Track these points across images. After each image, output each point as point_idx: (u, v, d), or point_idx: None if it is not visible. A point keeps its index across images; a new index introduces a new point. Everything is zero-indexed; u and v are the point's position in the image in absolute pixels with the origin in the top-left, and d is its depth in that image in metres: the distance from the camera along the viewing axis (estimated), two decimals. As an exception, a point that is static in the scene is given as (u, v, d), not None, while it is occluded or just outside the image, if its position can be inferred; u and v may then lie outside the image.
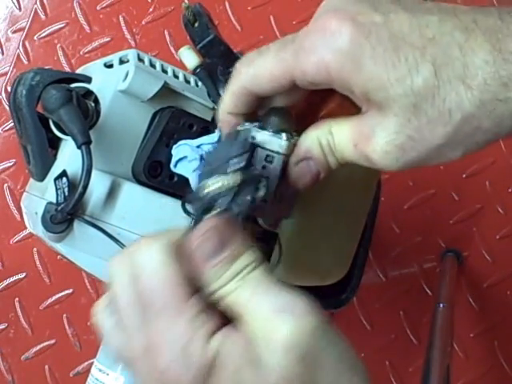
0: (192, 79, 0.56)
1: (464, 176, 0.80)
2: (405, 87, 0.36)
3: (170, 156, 0.53)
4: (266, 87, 0.40)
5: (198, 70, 0.54)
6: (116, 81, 0.52)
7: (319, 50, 0.37)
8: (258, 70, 0.40)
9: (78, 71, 0.56)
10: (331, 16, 0.37)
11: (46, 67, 0.71)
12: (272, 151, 0.41)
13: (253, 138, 0.41)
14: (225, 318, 0.35)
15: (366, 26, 0.36)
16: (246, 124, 0.42)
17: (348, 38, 0.36)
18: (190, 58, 0.54)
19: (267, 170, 0.41)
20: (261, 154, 0.41)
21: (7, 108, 0.77)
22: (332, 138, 0.40)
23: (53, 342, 0.75)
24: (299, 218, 0.55)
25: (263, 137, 0.41)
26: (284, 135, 0.41)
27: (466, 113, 0.36)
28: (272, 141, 0.41)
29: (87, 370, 0.65)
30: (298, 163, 0.41)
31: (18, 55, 0.79)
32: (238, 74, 0.41)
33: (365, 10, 0.37)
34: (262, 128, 0.41)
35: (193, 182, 0.52)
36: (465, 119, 0.36)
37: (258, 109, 0.43)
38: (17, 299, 0.75)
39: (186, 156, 0.52)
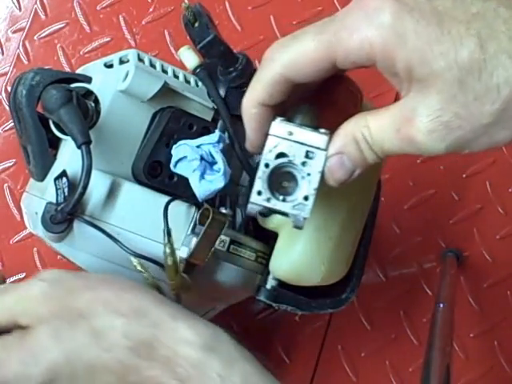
0: (192, 79, 0.56)
1: (464, 176, 0.80)
2: (449, 60, 0.35)
3: (169, 156, 0.53)
4: (306, 72, 0.38)
5: (198, 70, 0.54)
6: (116, 81, 0.52)
7: (362, 27, 0.36)
8: (296, 55, 0.38)
9: (78, 71, 0.56)
10: None
11: (46, 67, 0.71)
12: (312, 147, 0.40)
13: (290, 133, 0.40)
14: None
15: (408, 1, 0.36)
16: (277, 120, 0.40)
17: (390, 13, 0.35)
18: (189, 58, 0.54)
19: (307, 166, 0.40)
20: (299, 151, 0.40)
21: (7, 108, 0.77)
22: (369, 131, 0.38)
23: (53, 341, 0.75)
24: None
25: (301, 132, 0.40)
26: (323, 130, 0.40)
27: None
28: (312, 136, 0.40)
29: (87, 370, 0.65)
30: (330, 158, 0.39)
31: (18, 55, 0.79)
32: (271, 61, 0.39)
33: None
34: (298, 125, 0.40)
35: (193, 182, 0.52)
36: None
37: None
38: (17, 299, 0.75)
39: (185, 156, 0.52)
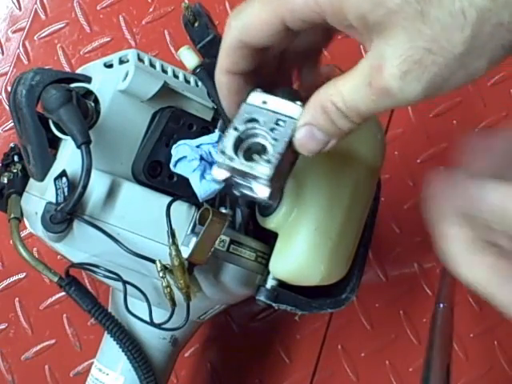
0: (192, 79, 0.56)
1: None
2: None
3: (169, 156, 0.53)
4: (258, 35, 0.38)
5: (197, 70, 0.54)
6: (116, 81, 0.52)
7: None
8: (247, 19, 0.38)
9: (78, 71, 0.56)
10: None
11: (46, 67, 0.71)
12: (284, 115, 0.39)
13: (264, 102, 0.39)
14: None
15: None
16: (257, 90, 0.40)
17: None
18: (189, 58, 0.54)
19: (276, 132, 0.39)
20: (270, 118, 0.39)
21: (7, 108, 0.77)
22: (341, 97, 0.36)
23: (53, 342, 0.75)
24: (299, 219, 0.55)
25: (276, 101, 0.39)
26: (298, 102, 0.39)
27: (481, 8, 0.32)
28: (285, 105, 0.39)
29: (87, 370, 0.65)
30: (299, 129, 0.38)
31: (18, 55, 0.79)
32: (229, 27, 0.39)
33: None
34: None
35: (193, 181, 0.52)
36: (481, 17, 0.32)
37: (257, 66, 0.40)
38: (17, 299, 0.75)
39: (185, 156, 0.52)
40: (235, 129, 0.39)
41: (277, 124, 0.39)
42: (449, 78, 0.34)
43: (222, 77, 0.41)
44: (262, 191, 0.39)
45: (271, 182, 0.38)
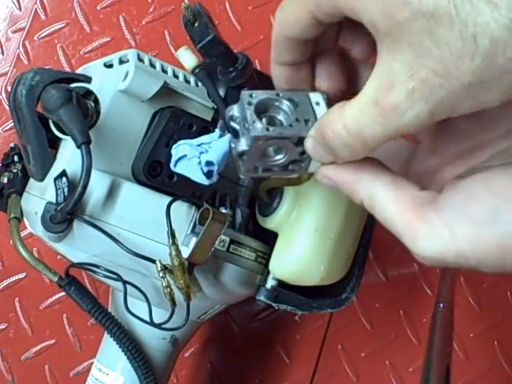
0: (192, 79, 0.56)
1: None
2: (413, 9, 0.30)
3: (169, 156, 0.52)
4: (296, 29, 0.38)
5: (196, 71, 0.54)
6: (116, 81, 0.52)
7: None
8: (284, 14, 0.38)
9: (78, 71, 0.56)
10: None
11: (46, 67, 0.71)
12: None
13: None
14: None
15: None
16: None
17: None
18: (188, 58, 0.53)
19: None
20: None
21: (7, 108, 0.77)
22: (342, 123, 0.35)
23: (53, 342, 0.75)
24: (299, 219, 0.55)
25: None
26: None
27: (495, 38, 0.29)
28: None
29: (87, 370, 0.65)
30: (308, 138, 0.38)
31: (18, 55, 0.79)
32: (274, 21, 0.39)
33: None
34: None
35: (195, 176, 0.51)
36: (495, 46, 0.30)
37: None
38: (17, 299, 0.75)
39: (185, 155, 0.52)
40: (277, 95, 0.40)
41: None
42: (457, 106, 0.33)
43: (273, 68, 0.42)
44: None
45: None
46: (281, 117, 0.40)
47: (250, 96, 0.39)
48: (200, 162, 0.51)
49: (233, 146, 0.40)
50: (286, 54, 0.40)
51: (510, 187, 0.34)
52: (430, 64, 0.31)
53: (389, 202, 0.36)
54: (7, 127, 0.78)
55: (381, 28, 0.32)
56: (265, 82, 0.60)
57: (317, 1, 0.36)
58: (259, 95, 0.40)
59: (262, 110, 0.39)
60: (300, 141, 0.39)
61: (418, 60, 0.32)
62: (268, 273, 0.57)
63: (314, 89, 0.42)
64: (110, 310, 0.55)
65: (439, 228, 0.34)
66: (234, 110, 0.40)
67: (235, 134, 0.40)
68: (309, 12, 0.36)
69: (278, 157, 0.40)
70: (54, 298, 0.75)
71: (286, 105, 0.40)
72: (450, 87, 0.31)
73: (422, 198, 0.36)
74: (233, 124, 0.40)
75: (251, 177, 0.40)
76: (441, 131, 0.41)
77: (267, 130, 0.38)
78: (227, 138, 0.45)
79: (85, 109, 0.50)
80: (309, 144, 0.38)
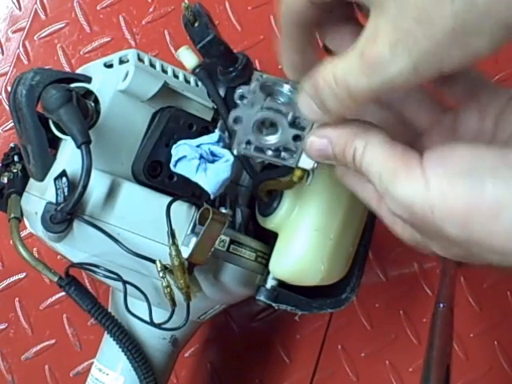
0: (192, 79, 0.56)
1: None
2: None
3: (169, 156, 0.53)
4: (299, 9, 0.38)
5: (197, 70, 0.54)
6: (116, 81, 0.52)
7: None
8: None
9: (78, 71, 0.56)
10: None
11: (46, 67, 0.71)
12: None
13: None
14: None
15: None
16: None
17: None
18: (188, 58, 0.54)
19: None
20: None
21: (7, 108, 0.77)
22: (332, 73, 0.35)
23: (53, 342, 0.75)
24: (299, 219, 0.55)
25: None
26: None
27: None
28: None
29: (87, 370, 0.65)
30: (300, 95, 0.38)
31: (18, 55, 0.79)
32: (278, 13, 0.39)
33: None
34: None
35: (199, 181, 0.52)
36: None
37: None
38: (17, 299, 0.75)
39: (185, 155, 0.52)
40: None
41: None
42: (443, 56, 0.32)
43: (283, 55, 0.41)
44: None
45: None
46: (282, 98, 0.40)
47: (261, 76, 0.41)
48: (199, 165, 0.52)
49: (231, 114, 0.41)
50: (295, 38, 0.40)
51: (496, 155, 0.34)
52: (411, 14, 0.31)
53: (380, 149, 0.37)
54: (7, 127, 0.78)
55: None
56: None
57: None
58: (269, 77, 0.41)
59: (267, 91, 0.40)
60: (295, 123, 0.39)
61: (401, 12, 0.32)
62: (268, 273, 0.57)
63: None
64: (109, 310, 0.55)
65: (417, 174, 0.35)
66: (243, 89, 0.40)
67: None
68: None
69: (271, 137, 0.40)
70: (54, 297, 0.75)
71: (288, 90, 0.40)
72: (433, 35, 0.31)
73: (411, 152, 0.37)
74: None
75: (243, 153, 0.41)
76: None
77: (265, 100, 0.39)
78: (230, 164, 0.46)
79: (85, 109, 0.50)
80: (301, 97, 0.38)
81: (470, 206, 0.33)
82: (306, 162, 0.41)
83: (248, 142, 0.40)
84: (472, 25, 0.31)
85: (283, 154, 0.41)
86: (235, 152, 0.41)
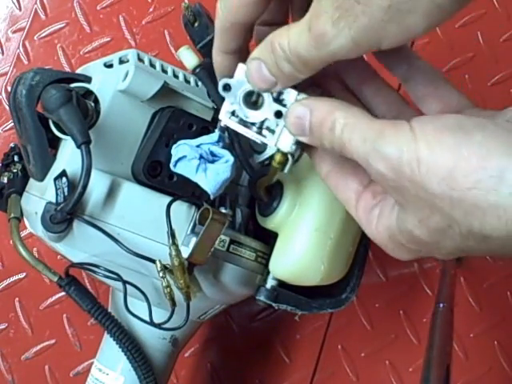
0: (192, 79, 0.56)
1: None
2: None
3: (169, 156, 0.53)
4: (242, 12, 0.40)
5: (197, 70, 0.54)
6: (116, 81, 0.52)
7: None
8: (228, 3, 0.40)
9: (78, 71, 0.56)
10: None
11: (46, 67, 0.71)
12: None
13: None
14: None
15: None
16: None
17: None
18: (189, 57, 0.54)
19: None
20: None
21: (7, 108, 0.77)
22: (287, 39, 0.37)
23: (53, 342, 0.75)
24: (299, 218, 0.55)
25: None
26: None
27: None
28: None
29: (87, 370, 0.65)
30: (250, 61, 0.40)
31: (18, 55, 0.79)
32: (216, 11, 0.41)
33: None
34: None
35: (199, 181, 0.52)
36: None
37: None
38: (17, 299, 0.75)
39: (185, 155, 0.52)
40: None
41: None
42: (381, 32, 0.34)
43: (217, 56, 0.43)
44: None
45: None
46: None
47: None
48: (199, 165, 0.52)
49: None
50: (233, 41, 0.42)
51: (485, 117, 0.35)
52: None
53: (363, 117, 0.37)
54: (7, 127, 0.78)
55: None
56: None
57: None
58: None
59: None
60: (279, 99, 0.40)
61: None
62: (268, 273, 0.57)
63: None
64: (109, 310, 0.55)
65: (405, 130, 0.35)
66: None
67: None
68: None
69: (255, 112, 0.41)
70: (54, 297, 0.75)
71: None
72: (371, 12, 0.33)
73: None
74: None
75: (227, 124, 0.41)
76: None
77: None
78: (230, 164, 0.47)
79: (85, 109, 0.50)
80: (252, 64, 0.39)
81: (456, 156, 0.33)
82: (284, 144, 0.41)
83: (233, 113, 0.41)
84: (406, 2, 0.33)
85: (264, 131, 0.41)
86: (222, 123, 0.41)
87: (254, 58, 0.39)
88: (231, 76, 0.41)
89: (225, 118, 0.41)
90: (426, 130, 0.34)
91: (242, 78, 0.41)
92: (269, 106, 0.41)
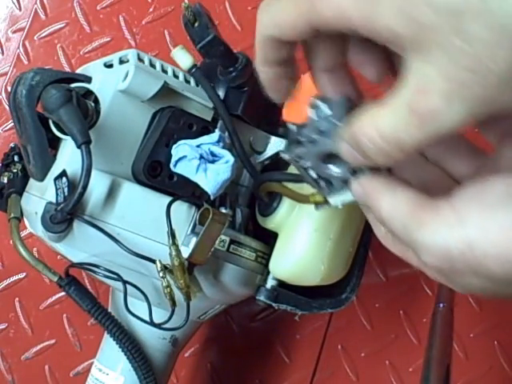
0: (192, 79, 0.56)
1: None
2: (437, 7, 0.29)
3: (169, 156, 0.53)
4: (286, 32, 0.36)
5: (193, 70, 0.54)
6: (116, 81, 0.52)
7: None
8: (276, 16, 0.36)
9: (78, 71, 0.56)
10: None
11: (46, 67, 0.71)
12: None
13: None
14: None
15: None
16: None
17: None
18: (183, 58, 0.54)
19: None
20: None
21: (7, 108, 0.77)
22: (376, 130, 0.33)
23: (53, 342, 0.75)
24: (299, 218, 0.55)
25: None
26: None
27: None
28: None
29: (87, 370, 0.65)
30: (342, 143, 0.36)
31: (18, 55, 0.79)
32: (259, 22, 0.37)
33: None
34: None
35: (199, 181, 0.52)
36: None
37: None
38: (17, 299, 0.75)
39: (185, 155, 0.52)
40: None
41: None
42: (497, 99, 0.31)
43: (259, 68, 0.40)
44: None
45: None
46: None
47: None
48: (200, 165, 0.52)
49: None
50: (274, 54, 0.38)
51: None
52: (464, 63, 0.30)
53: (403, 201, 0.35)
54: (7, 127, 0.78)
55: (404, 34, 0.31)
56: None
57: (318, 12, 0.33)
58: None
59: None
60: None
61: (451, 61, 0.30)
62: (268, 273, 0.57)
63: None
64: (109, 310, 0.55)
65: (448, 215, 0.33)
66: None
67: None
68: (306, 20, 0.34)
69: (323, 165, 0.39)
70: (54, 297, 0.75)
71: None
72: (488, 82, 0.30)
73: (437, 198, 0.35)
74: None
75: (285, 159, 0.40)
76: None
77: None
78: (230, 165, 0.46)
79: (85, 109, 0.50)
80: (343, 147, 0.36)
81: None
82: (336, 200, 0.40)
83: (300, 157, 0.40)
84: None
85: (322, 182, 0.40)
86: (286, 156, 0.40)
87: (342, 139, 0.36)
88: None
89: (287, 156, 0.40)
90: (472, 210, 0.32)
91: (313, 128, 0.38)
92: (338, 168, 0.39)
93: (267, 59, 0.38)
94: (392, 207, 0.35)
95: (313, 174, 0.40)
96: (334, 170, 0.39)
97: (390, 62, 0.39)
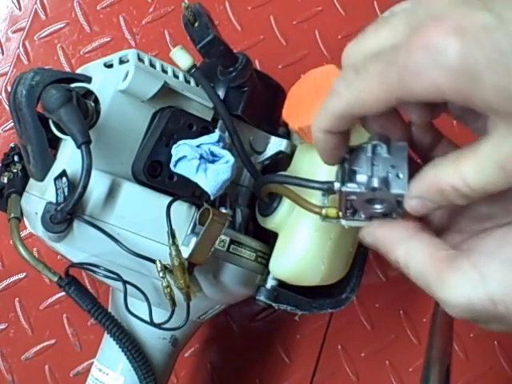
0: (192, 79, 0.56)
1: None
2: None
3: (169, 156, 0.53)
4: (370, 110, 0.36)
5: (192, 71, 0.54)
6: (116, 81, 0.52)
7: (427, 71, 0.32)
8: (360, 94, 0.36)
9: (78, 71, 0.56)
10: (433, 27, 0.32)
11: (46, 67, 0.71)
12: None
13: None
14: None
15: (475, 32, 0.31)
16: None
17: (456, 52, 0.31)
18: (183, 58, 0.54)
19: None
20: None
21: (7, 108, 0.77)
22: (463, 181, 0.35)
23: (53, 342, 0.75)
24: (299, 218, 0.55)
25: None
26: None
27: None
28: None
29: (87, 370, 0.65)
30: (412, 199, 0.38)
31: (18, 55, 0.79)
32: (338, 96, 0.37)
33: (472, 10, 0.32)
34: None
35: (199, 181, 0.52)
36: None
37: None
38: (17, 299, 0.75)
39: (185, 155, 0.52)
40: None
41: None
42: None
43: (319, 134, 0.40)
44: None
45: None
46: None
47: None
48: (200, 165, 0.52)
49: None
50: (344, 125, 0.39)
51: None
52: None
53: (422, 256, 0.37)
54: (7, 127, 0.78)
55: (502, 110, 0.32)
56: (265, 82, 0.60)
57: (412, 90, 0.34)
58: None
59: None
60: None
61: None
62: (268, 273, 0.57)
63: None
64: (109, 310, 0.55)
65: (469, 272, 0.34)
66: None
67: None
68: (394, 96, 0.35)
69: (367, 204, 0.42)
70: (54, 297, 0.75)
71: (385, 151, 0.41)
72: None
73: (454, 252, 0.37)
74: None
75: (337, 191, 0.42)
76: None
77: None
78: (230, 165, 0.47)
79: (85, 109, 0.50)
80: (415, 202, 0.38)
81: None
82: (348, 222, 0.44)
83: (351, 194, 0.41)
84: None
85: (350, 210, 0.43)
86: (342, 188, 0.41)
87: (416, 196, 0.38)
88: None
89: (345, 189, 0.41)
90: (492, 266, 0.33)
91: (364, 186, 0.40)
92: (380, 205, 0.41)
93: (332, 129, 0.39)
94: (410, 263, 0.39)
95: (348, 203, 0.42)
96: (377, 206, 0.41)
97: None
